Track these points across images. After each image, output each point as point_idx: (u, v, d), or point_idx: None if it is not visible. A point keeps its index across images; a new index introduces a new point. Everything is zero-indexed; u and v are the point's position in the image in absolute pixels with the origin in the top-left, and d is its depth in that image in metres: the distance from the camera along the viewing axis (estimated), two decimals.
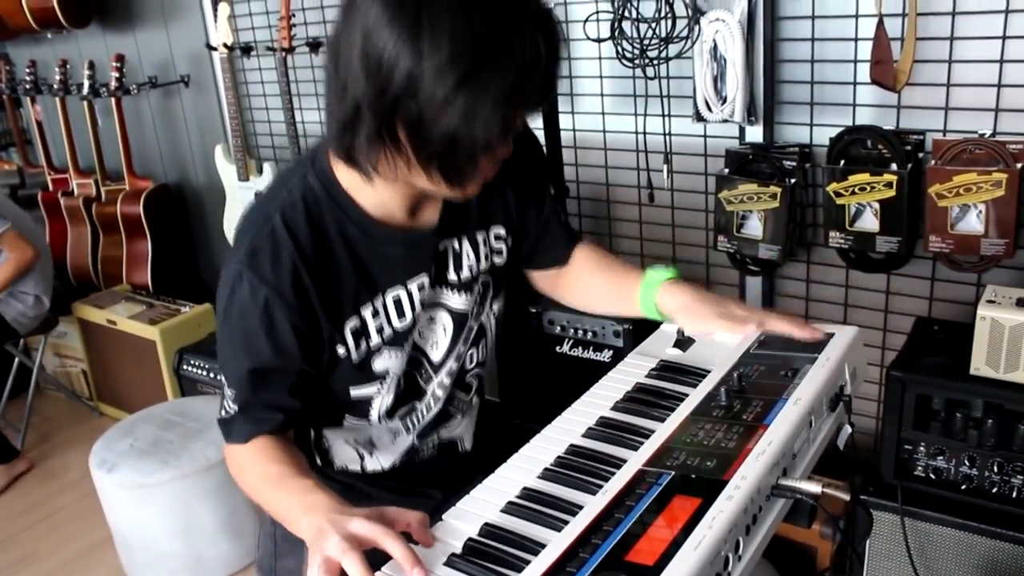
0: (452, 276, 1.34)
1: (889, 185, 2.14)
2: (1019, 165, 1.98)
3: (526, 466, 1.19)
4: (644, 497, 1.04)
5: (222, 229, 3.78)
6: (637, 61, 2.43)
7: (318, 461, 1.45)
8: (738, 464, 1.06)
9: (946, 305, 2.28)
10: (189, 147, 4.23)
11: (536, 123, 2.53)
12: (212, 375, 3.36)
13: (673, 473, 1.08)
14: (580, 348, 2.53)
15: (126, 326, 3.69)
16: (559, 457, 1.20)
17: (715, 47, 2.30)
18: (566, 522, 1.02)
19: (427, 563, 0.98)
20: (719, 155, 2.48)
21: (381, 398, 1.33)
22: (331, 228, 1.21)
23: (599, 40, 2.52)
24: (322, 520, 1.00)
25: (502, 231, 1.40)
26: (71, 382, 4.18)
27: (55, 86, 4.18)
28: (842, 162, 2.22)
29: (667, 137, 2.55)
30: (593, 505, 1.04)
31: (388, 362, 1.30)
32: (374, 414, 1.34)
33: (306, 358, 1.21)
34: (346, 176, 1.21)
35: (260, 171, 3.54)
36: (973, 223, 2.06)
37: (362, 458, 1.44)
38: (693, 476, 1.06)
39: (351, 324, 1.24)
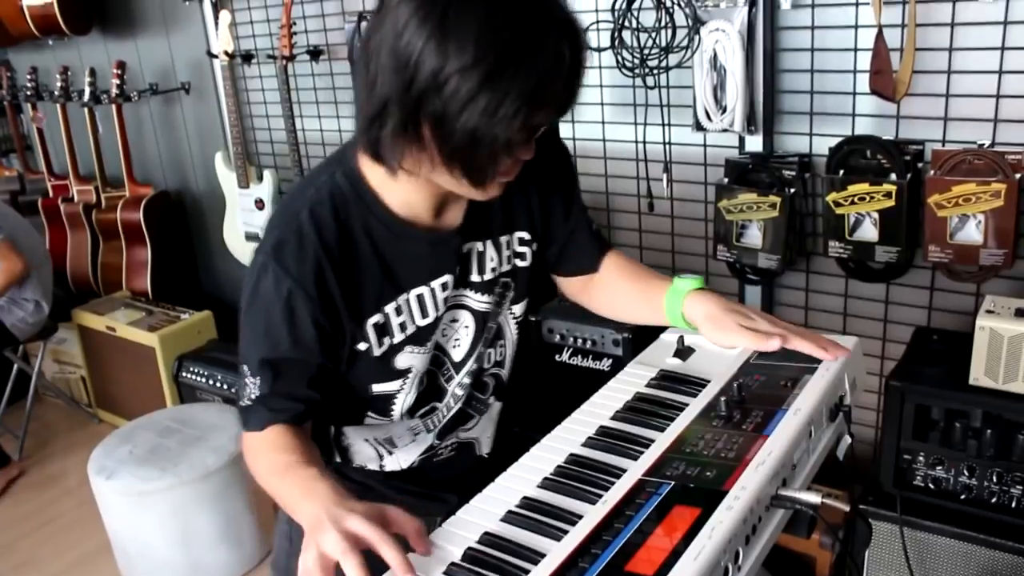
0: (475, 277, 1.36)
1: (888, 195, 2.15)
2: (1018, 176, 1.99)
3: (526, 475, 1.18)
4: (644, 507, 1.04)
5: (222, 236, 3.78)
6: (637, 70, 2.44)
7: (337, 458, 1.46)
8: (738, 474, 1.06)
9: (945, 315, 2.28)
10: (189, 154, 4.23)
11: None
12: (211, 382, 3.36)
13: (673, 483, 1.07)
14: (580, 357, 2.53)
15: (125, 333, 3.69)
16: (559, 466, 1.19)
17: (715, 57, 2.30)
18: (566, 531, 1.02)
19: (426, 571, 0.98)
20: (719, 164, 2.49)
21: (403, 395, 1.34)
22: (357, 225, 1.24)
23: (599, 49, 2.52)
24: (320, 510, 1.00)
25: (526, 235, 1.41)
26: (70, 388, 4.18)
27: (56, 92, 4.18)
28: (841, 172, 2.22)
29: (667, 146, 2.56)
30: (593, 515, 1.04)
31: (411, 359, 1.32)
32: (396, 412, 1.36)
33: (325, 352, 1.23)
34: (373, 175, 1.23)
35: (260, 178, 3.54)
36: (972, 233, 2.07)
37: (381, 457, 1.45)
38: (693, 486, 1.06)
39: (373, 320, 1.26)
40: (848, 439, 1.30)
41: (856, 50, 2.20)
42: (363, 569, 0.94)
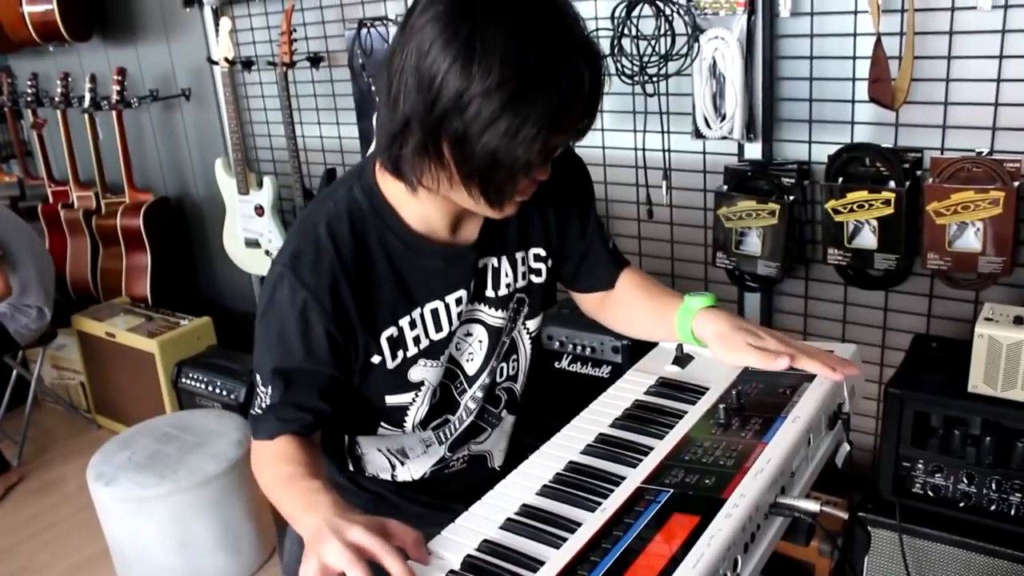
0: (490, 292, 1.37)
1: (887, 203, 2.15)
2: (1016, 183, 1.99)
3: (525, 483, 1.19)
4: (643, 514, 1.04)
5: (221, 242, 3.78)
6: (637, 78, 2.44)
7: (350, 467, 1.47)
8: (737, 482, 1.06)
9: (944, 322, 2.29)
10: (189, 160, 4.24)
11: None
12: (211, 388, 3.36)
13: (672, 490, 1.08)
14: (579, 364, 2.54)
15: (125, 339, 3.69)
16: (558, 474, 1.19)
17: (714, 64, 2.31)
18: (565, 539, 1.02)
19: None
20: (718, 172, 2.49)
21: (416, 407, 1.36)
22: (373, 240, 1.25)
23: (601, 51, 2.52)
24: (321, 521, 1.01)
25: (542, 252, 1.43)
26: (69, 394, 4.18)
27: (56, 99, 4.19)
28: (840, 179, 2.23)
29: (666, 154, 2.57)
30: (592, 522, 1.04)
31: (424, 372, 1.33)
32: (408, 423, 1.37)
33: (337, 364, 1.24)
34: (392, 190, 1.25)
35: (260, 185, 3.54)
36: (971, 241, 2.07)
37: (394, 467, 1.46)
38: (692, 494, 1.06)
39: (388, 333, 1.28)
40: (847, 446, 1.30)
41: (855, 58, 2.20)
42: None
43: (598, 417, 1.34)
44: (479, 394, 1.43)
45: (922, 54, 2.08)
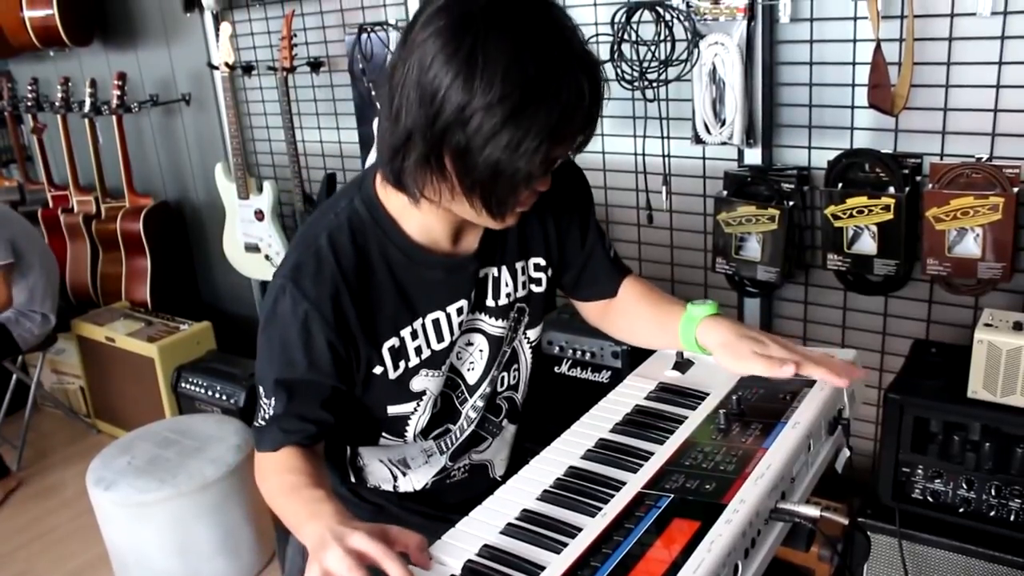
0: (490, 302, 1.38)
1: (887, 208, 2.15)
2: (1015, 189, 2.00)
3: (525, 488, 1.19)
4: (643, 520, 1.04)
5: (221, 247, 3.78)
6: (636, 83, 2.44)
7: (352, 479, 1.48)
8: (737, 487, 1.06)
9: (943, 328, 2.29)
10: (189, 165, 4.24)
11: None
12: (210, 393, 3.36)
13: (672, 496, 1.08)
14: (578, 369, 2.54)
15: (124, 343, 3.69)
16: (558, 479, 1.20)
17: (714, 70, 2.31)
18: (565, 544, 1.03)
19: None
20: (718, 177, 2.49)
21: (418, 417, 1.36)
22: (374, 251, 1.26)
23: (599, 62, 2.53)
24: (324, 529, 1.02)
25: (542, 261, 1.44)
26: (69, 399, 4.18)
27: (57, 103, 4.19)
28: (840, 185, 2.23)
29: (666, 159, 2.57)
30: (592, 527, 1.04)
31: (426, 382, 1.34)
32: (410, 433, 1.38)
33: (339, 374, 1.25)
34: (392, 201, 1.26)
35: (260, 189, 3.55)
36: (970, 246, 2.07)
37: (395, 478, 1.47)
38: (692, 499, 1.07)
39: (389, 344, 1.29)
40: (847, 452, 1.30)
41: (854, 64, 2.21)
42: None
43: (598, 422, 1.35)
44: (480, 403, 1.44)
45: (921, 60, 2.09)
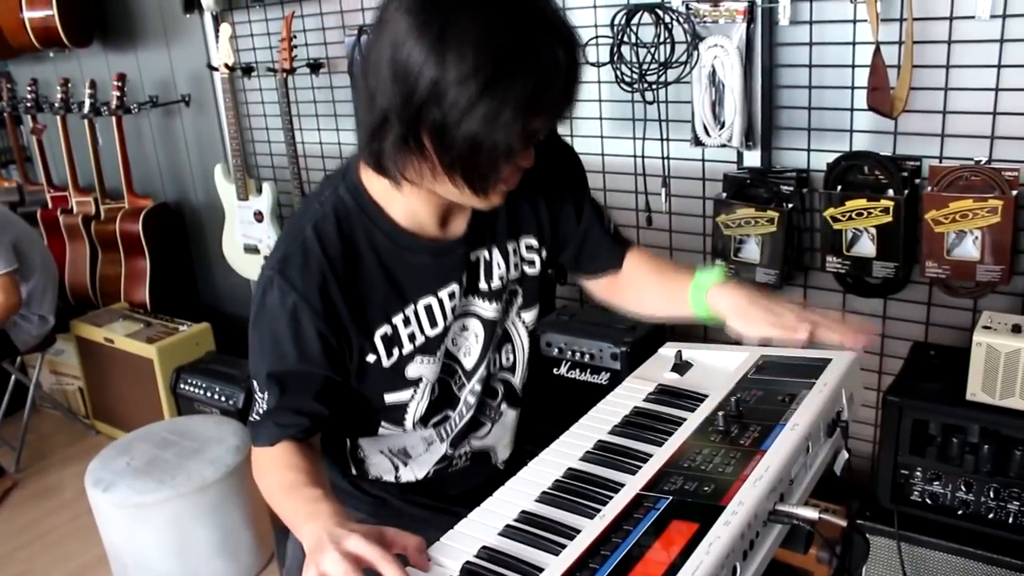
0: (483, 285, 1.37)
1: (886, 211, 2.15)
2: (1014, 192, 2.00)
3: (524, 489, 1.19)
4: (642, 521, 1.04)
5: (221, 248, 3.78)
6: (636, 85, 2.45)
7: (353, 471, 1.47)
8: (735, 489, 1.06)
9: (942, 330, 2.29)
10: (189, 166, 4.24)
11: None
12: (209, 394, 3.36)
13: (671, 498, 1.08)
14: (578, 370, 2.54)
15: (123, 344, 3.69)
16: (557, 480, 1.20)
17: (713, 72, 2.31)
18: (564, 546, 1.03)
19: None
20: (717, 179, 2.49)
21: (415, 404, 1.35)
22: (361, 239, 1.26)
23: (598, 64, 2.53)
24: (321, 531, 1.02)
25: (534, 242, 1.42)
26: (67, 400, 4.17)
27: (56, 104, 4.19)
28: (839, 187, 2.23)
29: (665, 161, 2.57)
30: (591, 529, 1.04)
31: (421, 369, 1.33)
32: (408, 421, 1.37)
33: (331, 365, 1.24)
34: (377, 187, 1.25)
35: (259, 191, 3.55)
36: (969, 249, 2.07)
37: (396, 468, 1.46)
38: (690, 501, 1.07)
39: (381, 332, 1.28)
40: (845, 454, 1.30)
41: (854, 66, 2.21)
42: None
43: (597, 424, 1.35)
44: (478, 387, 1.43)
45: (921, 63, 2.09)
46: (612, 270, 1.51)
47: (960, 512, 1.91)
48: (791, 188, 2.33)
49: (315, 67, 3.32)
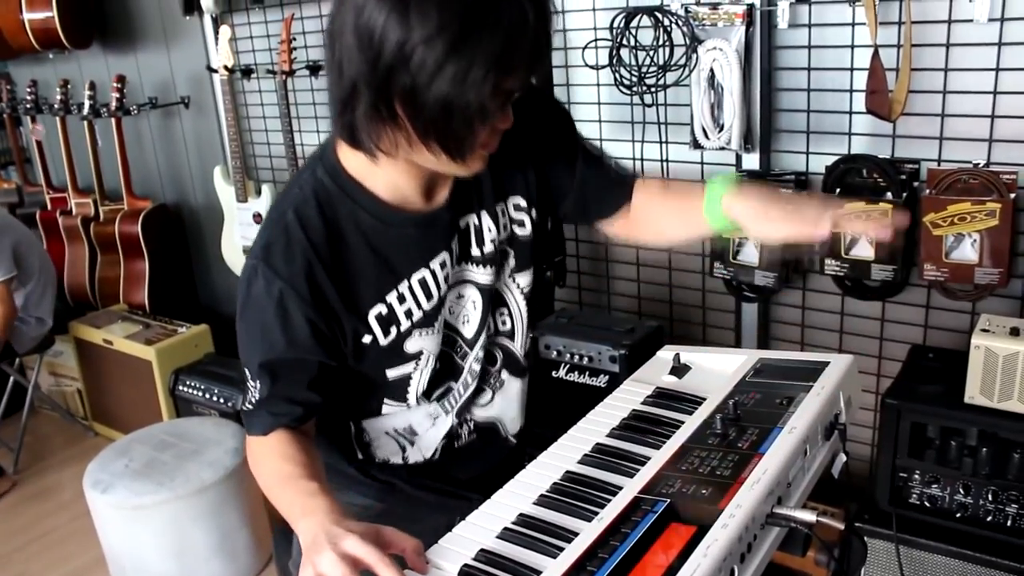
0: (476, 252, 1.35)
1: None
2: (1013, 195, 2.00)
3: (522, 492, 1.19)
4: (639, 524, 1.04)
5: (220, 250, 3.78)
6: (635, 88, 2.45)
7: (359, 456, 1.45)
8: (733, 492, 1.06)
9: (941, 333, 2.29)
10: (188, 168, 4.24)
11: None
12: (208, 396, 3.36)
13: (668, 500, 1.08)
14: (576, 373, 2.54)
15: (122, 346, 3.69)
16: (555, 483, 1.20)
17: (712, 75, 2.32)
18: (562, 549, 1.02)
19: None
20: None
21: (418, 377, 1.33)
22: (344, 219, 1.23)
23: (597, 67, 2.54)
24: (318, 529, 1.01)
25: (522, 201, 1.39)
26: (66, 401, 4.17)
27: (56, 106, 4.19)
28: (838, 190, 2.23)
29: (664, 164, 2.57)
30: (589, 532, 1.04)
31: (421, 343, 1.31)
32: (412, 395, 1.35)
33: (323, 351, 1.23)
34: (354, 164, 1.23)
35: (259, 192, 3.55)
36: (967, 252, 2.08)
37: (404, 449, 1.44)
38: (688, 504, 1.06)
39: (375, 312, 1.26)
40: (843, 457, 1.30)
41: (852, 69, 2.21)
42: None
43: (595, 427, 1.34)
44: (480, 354, 1.40)
45: (919, 66, 2.09)
46: (623, 207, 1.45)
47: (958, 515, 1.91)
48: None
49: (314, 69, 3.32)
